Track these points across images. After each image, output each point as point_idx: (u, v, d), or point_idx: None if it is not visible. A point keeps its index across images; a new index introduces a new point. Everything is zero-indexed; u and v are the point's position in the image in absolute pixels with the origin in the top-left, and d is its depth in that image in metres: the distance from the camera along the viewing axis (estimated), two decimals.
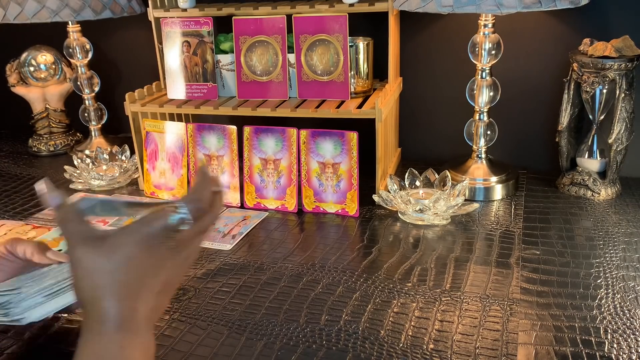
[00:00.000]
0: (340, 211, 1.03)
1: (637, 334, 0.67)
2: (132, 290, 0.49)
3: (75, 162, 1.23)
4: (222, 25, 1.18)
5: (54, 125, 1.49)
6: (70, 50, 1.32)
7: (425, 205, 0.96)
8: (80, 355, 0.49)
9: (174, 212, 0.51)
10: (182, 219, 0.51)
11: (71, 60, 1.35)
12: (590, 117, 1.03)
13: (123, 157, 1.26)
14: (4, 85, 1.48)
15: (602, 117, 1.02)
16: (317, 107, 1.02)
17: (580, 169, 1.06)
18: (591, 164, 1.05)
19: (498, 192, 1.06)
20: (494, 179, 1.06)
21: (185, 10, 1.12)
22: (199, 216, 0.52)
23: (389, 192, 1.01)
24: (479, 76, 1.03)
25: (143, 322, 0.50)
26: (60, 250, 0.84)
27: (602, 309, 0.72)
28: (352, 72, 1.06)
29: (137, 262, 0.49)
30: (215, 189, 0.55)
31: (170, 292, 0.54)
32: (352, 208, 1.02)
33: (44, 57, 1.44)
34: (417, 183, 1.05)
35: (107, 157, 1.26)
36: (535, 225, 0.95)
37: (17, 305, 0.65)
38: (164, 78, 1.17)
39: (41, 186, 0.54)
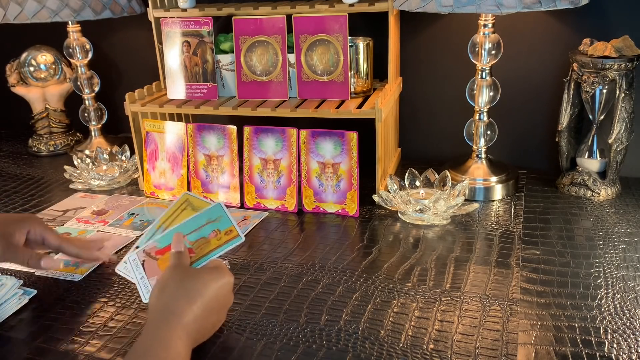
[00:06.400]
0: (340, 211, 1.03)
1: (637, 334, 0.67)
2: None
3: (75, 162, 1.23)
4: (222, 26, 1.18)
5: (54, 125, 1.49)
6: (70, 50, 1.32)
7: (425, 205, 0.96)
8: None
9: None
10: None
11: (71, 60, 1.35)
12: (590, 117, 1.03)
13: (123, 157, 1.26)
14: (4, 85, 1.48)
15: (602, 117, 1.02)
16: (317, 107, 1.02)
17: (580, 169, 1.06)
18: (591, 164, 1.05)
19: (498, 192, 1.06)
20: (494, 179, 1.06)
21: (185, 10, 1.12)
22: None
23: (389, 192, 1.00)
24: (479, 76, 1.03)
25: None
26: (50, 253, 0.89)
27: (602, 309, 0.72)
28: (352, 72, 1.06)
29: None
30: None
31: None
32: (352, 208, 1.02)
33: (44, 57, 1.44)
34: (417, 183, 1.05)
35: (107, 157, 1.26)
36: (535, 225, 0.95)
37: None
38: (164, 78, 1.17)
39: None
